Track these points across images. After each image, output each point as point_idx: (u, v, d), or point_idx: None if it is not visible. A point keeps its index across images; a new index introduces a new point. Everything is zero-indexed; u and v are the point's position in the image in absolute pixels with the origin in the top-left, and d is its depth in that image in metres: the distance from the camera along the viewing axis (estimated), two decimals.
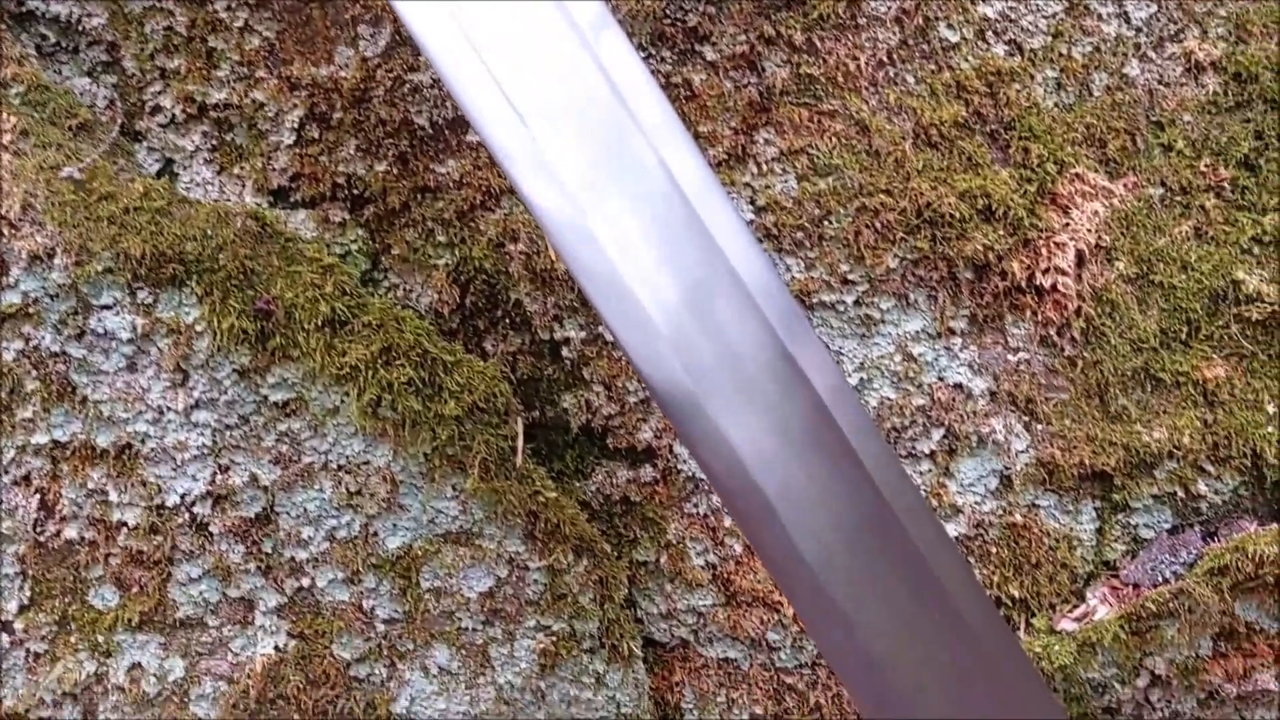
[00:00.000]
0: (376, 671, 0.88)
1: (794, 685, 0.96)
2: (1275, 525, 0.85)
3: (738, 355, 0.52)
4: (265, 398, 0.81)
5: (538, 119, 0.53)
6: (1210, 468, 0.88)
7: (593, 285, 0.52)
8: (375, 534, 0.85)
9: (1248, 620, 0.86)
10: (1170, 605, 0.84)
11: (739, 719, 0.96)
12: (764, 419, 0.52)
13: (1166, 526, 0.90)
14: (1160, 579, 0.87)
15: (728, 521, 0.91)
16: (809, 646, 0.94)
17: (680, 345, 0.52)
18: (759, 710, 0.96)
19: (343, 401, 0.82)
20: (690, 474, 0.90)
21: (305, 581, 0.86)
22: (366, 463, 0.83)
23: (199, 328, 0.79)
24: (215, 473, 0.82)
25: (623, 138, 0.54)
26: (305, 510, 0.84)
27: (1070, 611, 0.90)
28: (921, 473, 0.89)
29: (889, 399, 0.87)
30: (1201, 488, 0.88)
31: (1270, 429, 0.87)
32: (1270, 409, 0.87)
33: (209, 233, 0.79)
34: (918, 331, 0.86)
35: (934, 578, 0.52)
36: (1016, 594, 0.91)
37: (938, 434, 0.88)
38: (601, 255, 0.52)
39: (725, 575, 0.92)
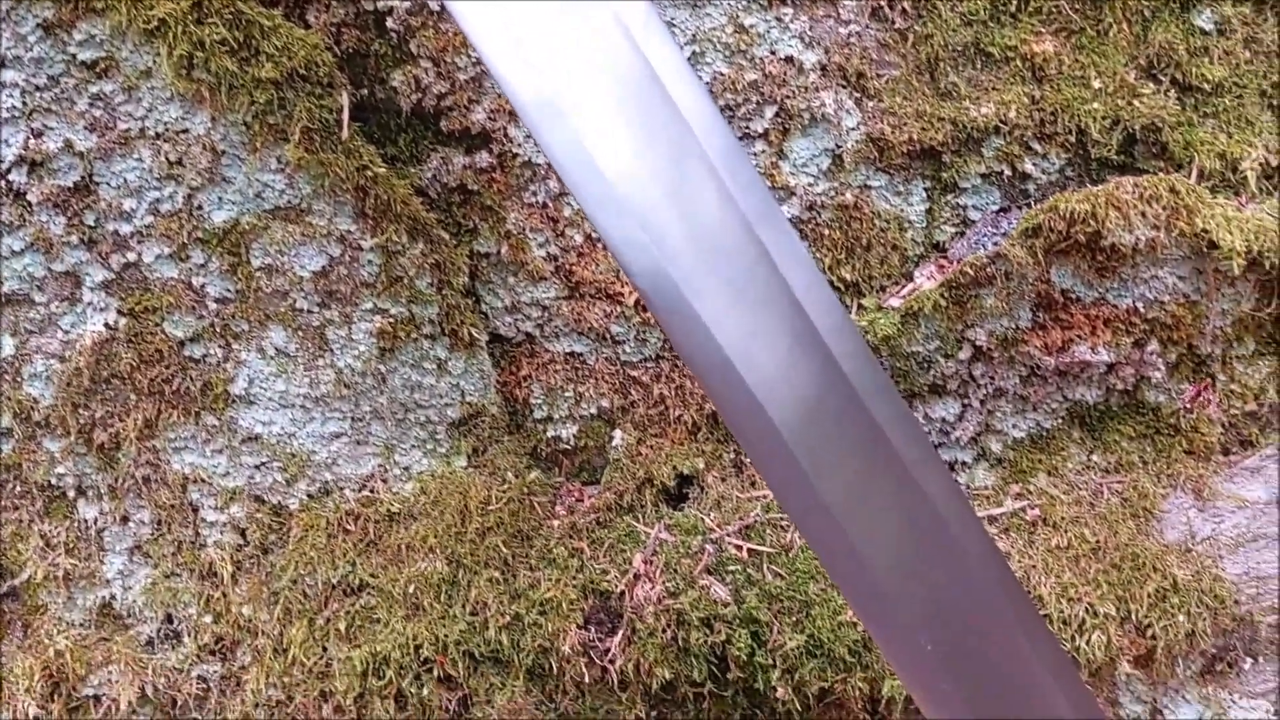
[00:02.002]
0: (212, 352, 0.88)
1: (639, 379, 0.98)
2: (1089, 186, 0.87)
3: (715, 246, 0.54)
4: (74, 56, 0.79)
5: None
6: (1037, 145, 0.90)
7: (571, 176, 0.54)
8: (200, 207, 0.84)
9: (1064, 288, 0.88)
10: (988, 270, 0.87)
11: (587, 413, 0.99)
12: (739, 307, 0.54)
13: (995, 208, 0.92)
14: (982, 250, 0.89)
15: (567, 211, 0.92)
16: (652, 340, 0.96)
17: (658, 235, 0.53)
18: (606, 404, 0.98)
19: (155, 62, 0.80)
20: (527, 159, 0.90)
21: (131, 256, 0.85)
22: (185, 130, 0.82)
23: None
24: (28, 137, 0.80)
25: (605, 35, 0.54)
26: (125, 180, 0.83)
27: (899, 291, 0.93)
28: (755, 154, 0.90)
29: (722, 74, 0.87)
30: (1029, 166, 0.90)
31: (1096, 105, 0.88)
32: (1096, 85, 0.88)
33: None
34: (749, 1, 0.85)
35: (894, 451, 0.56)
36: (848, 276, 0.93)
37: (770, 111, 0.88)
38: (578, 144, 0.53)
39: (567, 267, 0.93)
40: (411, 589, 0.93)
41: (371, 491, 0.95)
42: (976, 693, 0.59)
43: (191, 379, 0.89)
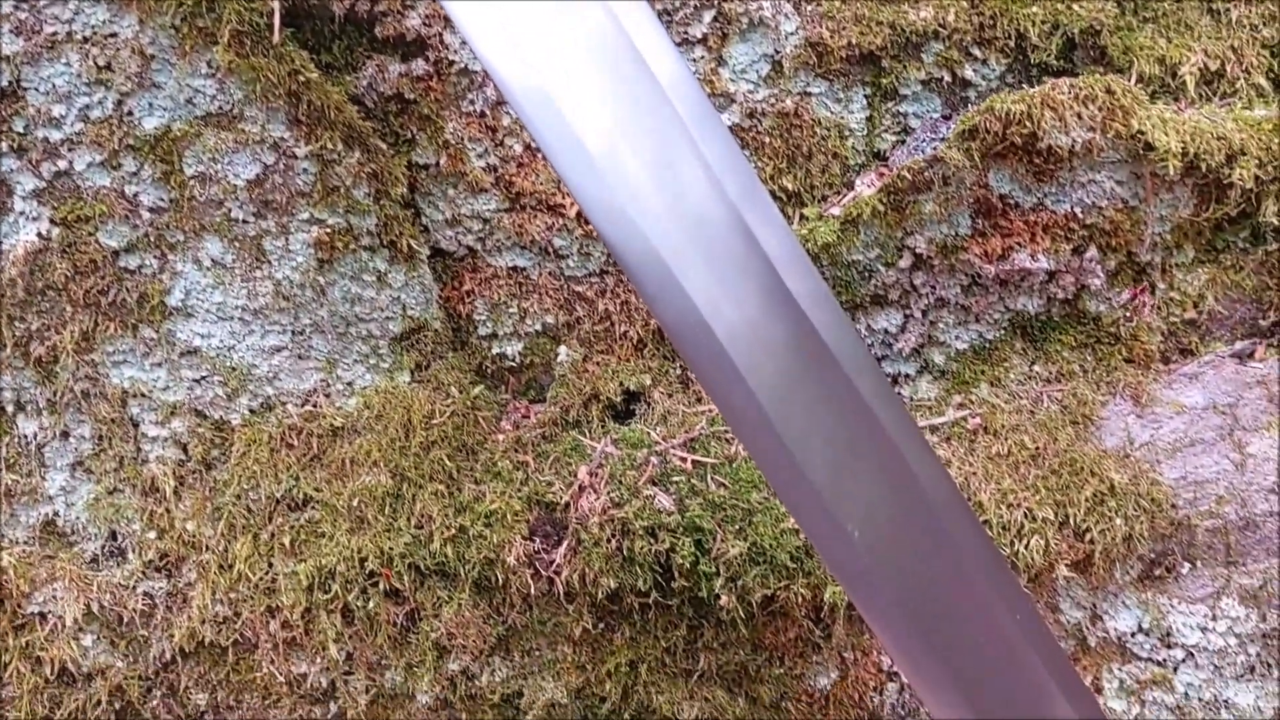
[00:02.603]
0: (147, 263, 0.88)
1: (584, 294, 0.97)
2: (1025, 88, 0.87)
3: (697, 219, 0.55)
4: None
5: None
6: (977, 50, 0.89)
7: (560, 157, 0.54)
8: (130, 113, 0.83)
9: (1002, 193, 0.88)
10: (926, 175, 0.86)
11: (531, 329, 0.98)
12: (719, 277, 0.55)
13: (936, 116, 0.92)
14: (920, 155, 0.88)
15: (506, 120, 0.91)
16: (595, 254, 0.96)
17: (645, 212, 0.54)
18: (550, 320, 0.98)
19: None
20: (464, 66, 0.89)
21: (62, 164, 0.84)
22: (114, 34, 0.81)
23: None
24: None
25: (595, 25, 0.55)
26: (54, 86, 0.82)
27: (840, 200, 0.92)
28: (695, 59, 0.89)
29: None
30: (969, 72, 0.90)
31: (1035, 9, 0.88)
32: None
33: None
34: None
35: (871, 413, 0.57)
36: (790, 186, 0.93)
37: (709, 16, 0.88)
38: (568, 128, 0.54)
39: (507, 178, 0.93)
40: (356, 502, 0.93)
41: (314, 406, 0.94)
42: (936, 634, 0.60)
43: (127, 290, 0.88)
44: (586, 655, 0.99)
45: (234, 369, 0.92)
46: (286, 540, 0.94)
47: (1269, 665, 0.96)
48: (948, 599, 0.60)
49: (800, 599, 0.92)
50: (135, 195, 0.85)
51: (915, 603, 0.59)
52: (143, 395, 0.91)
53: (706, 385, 0.56)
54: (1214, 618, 0.95)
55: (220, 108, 0.84)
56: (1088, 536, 0.91)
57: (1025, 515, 0.91)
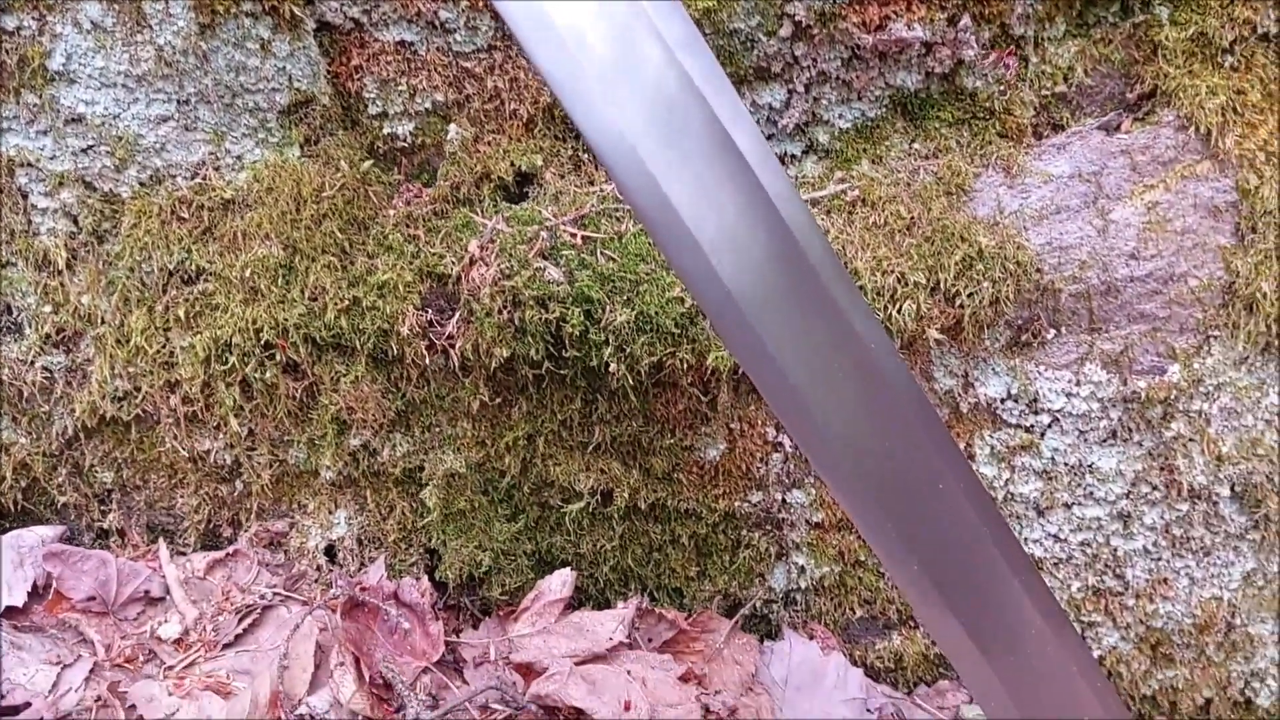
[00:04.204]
0: (25, 24, 0.87)
1: (472, 70, 0.98)
2: None
3: (667, 108, 0.56)
4: None
5: None
6: None
7: (530, 38, 0.55)
8: None
9: None
10: None
11: (421, 108, 0.99)
12: (688, 167, 0.57)
13: None
14: None
15: None
16: (483, 28, 0.96)
17: (614, 99, 0.55)
18: (440, 98, 0.99)
19: None
20: None
21: None
22: None
23: None
24: None
25: None
26: None
27: None
28: None
29: None
30: None
31: None
32: None
33: None
34: None
35: (831, 299, 0.59)
36: None
37: None
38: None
39: None
40: (249, 274, 0.95)
41: (204, 179, 0.95)
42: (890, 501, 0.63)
43: (7, 52, 0.87)
44: (485, 430, 1.02)
45: (120, 138, 0.92)
46: (181, 313, 0.95)
47: (1129, 430, 1.02)
48: (912, 485, 0.63)
49: (685, 365, 0.96)
50: None
51: (891, 503, 0.63)
52: (30, 165, 0.91)
53: (685, 279, 0.58)
54: (1078, 383, 1.00)
55: None
56: (957, 301, 0.95)
57: (898, 280, 0.95)
